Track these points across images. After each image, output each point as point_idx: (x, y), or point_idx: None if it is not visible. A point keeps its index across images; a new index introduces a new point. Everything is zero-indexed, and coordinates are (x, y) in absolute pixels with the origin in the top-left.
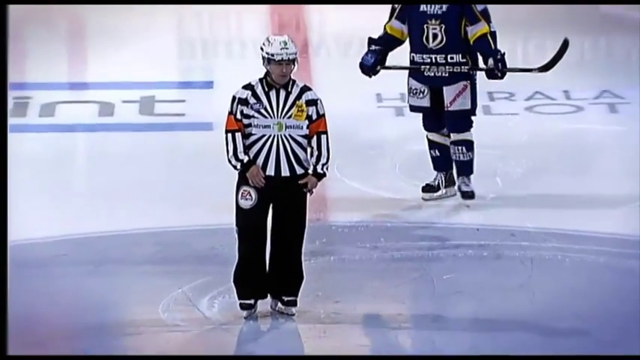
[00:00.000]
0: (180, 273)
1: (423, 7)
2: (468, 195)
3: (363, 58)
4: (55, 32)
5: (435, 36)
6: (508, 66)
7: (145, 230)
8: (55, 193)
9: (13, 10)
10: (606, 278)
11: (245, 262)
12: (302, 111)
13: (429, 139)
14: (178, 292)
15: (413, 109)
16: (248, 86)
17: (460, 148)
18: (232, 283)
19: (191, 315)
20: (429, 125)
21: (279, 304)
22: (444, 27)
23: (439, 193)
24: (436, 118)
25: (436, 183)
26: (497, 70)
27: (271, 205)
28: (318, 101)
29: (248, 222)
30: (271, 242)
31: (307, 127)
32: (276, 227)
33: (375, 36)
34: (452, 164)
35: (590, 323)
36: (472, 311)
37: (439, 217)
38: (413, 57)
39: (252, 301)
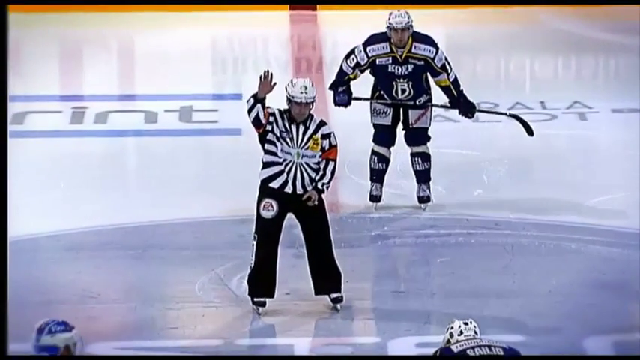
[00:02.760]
0: (214, 257)
1: (391, 69)
2: (424, 200)
3: (338, 99)
4: (108, 52)
5: (403, 90)
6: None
7: (183, 220)
8: (108, 189)
9: (72, 32)
10: (577, 261)
11: (260, 266)
12: (317, 144)
13: (378, 153)
14: (212, 274)
15: (375, 126)
16: (281, 113)
17: (418, 159)
18: (246, 283)
19: (223, 293)
20: (382, 141)
21: (329, 301)
22: (411, 83)
23: (382, 202)
24: (390, 135)
25: (380, 192)
26: (467, 117)
27: (295, 218)
28: (331, 134)
29: (268, 230)
30: (307, 248)
31: (320, 156)
32: (306, 235)
33: (336, 78)
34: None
35: (561, 298)
36: (462, 289)
37: (434, 209)
38: (383, 94)
39: (264, 300)
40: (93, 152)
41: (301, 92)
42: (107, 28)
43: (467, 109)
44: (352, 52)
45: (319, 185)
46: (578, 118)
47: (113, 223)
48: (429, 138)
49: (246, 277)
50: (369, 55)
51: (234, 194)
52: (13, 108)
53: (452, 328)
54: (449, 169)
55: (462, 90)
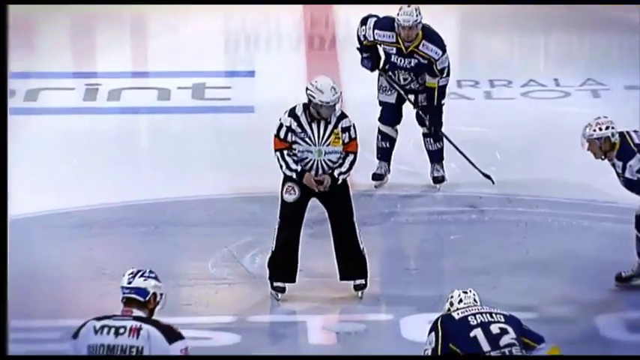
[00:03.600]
0: (226, 234)
1: (394, 59)
2: (439, 180)
3: (363, 64)
4: (121, 29)
5: (405, 79)
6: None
7: (195, 197)
8: (120, 166)
9: (85, 9)
10: (589, 239)
11: (281, 249)
12: (338, 138)
13: (382, 132)
14: (225, 251)
15: (381, 103)
16: (293, 114)
17: (429, 139)
18: (267, 267)
19: (236, 270)
20: (387, 119)
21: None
22: (412, 74)
23: (385, 180)
24: (395, 113)
25: (382, 171)
26: (429, 130)
27: (320, 203)
28: (351, 127)
29: (290, 213)
30: (332, 233)
31: (342, 150)
32: (331, 220)
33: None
34: (391, 156)
35: (574, 275)
36: (475, 266)
37: (447, 186)
38: (390, 75)
39: (283, 285)
40: (106, 129)
41: (333, 95)
42: (120, 6)
43: (435, 122)
44: (365, 20)
45: (335, 173)
46: (592, 96)
47: (125, 200)
48: (441, 124)
49: (267, 261)
50: (375, 37)
51: (247, 171)
52: (26, 85)
53: (452, 297)
54: (462, 146)
55: (443, 103)
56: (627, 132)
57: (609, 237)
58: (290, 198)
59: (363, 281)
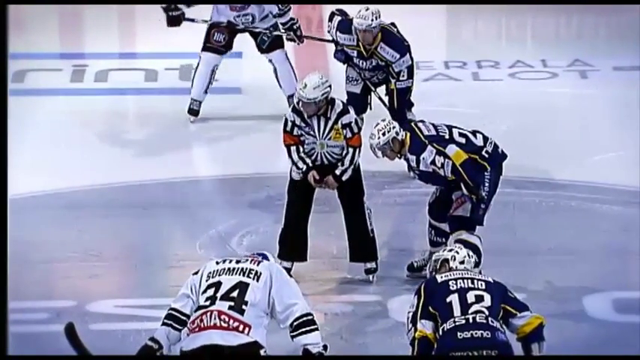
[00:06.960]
0: (214, 216)
1: (356, 60)
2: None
3: (336, 56)
4: (109, 11)
5: (371, 75)
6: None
7: (183, 179)
8: (108, 147)
9: None
10: (577, 219)
11: (288, 226)
12: (339, 134)
13: None
14: (213, 232)
15: (347, 94)
16: (295, 110)
17: None
18: (277, 244)
19: (223, 251)
20: (353, 109)
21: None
22: (376, 71)
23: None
24: (361, 103)
25: None
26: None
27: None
28: (352, 123)
29: (297, 192)
30: (343, 215)
31: (345, 143)
32: (341, 201)
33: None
34: None
35: (562, 256)
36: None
37: None
38: (355, 68)
39: (289, 265)
40: (93, 110)
41: (312, 93)
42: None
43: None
44: (332, 17)
45: (337, 172)
46: (579, 77)
47: (113, 181)
48: (412, 104)
49: (277, 239)
50: (338, 40)
51: (233, 153)
52: (13, 66)
53: (457, 253)
54: None
55: (403, 107)
56: (415, 124)
57: (597, 217)
58: (297, 176)
59: (373, 265)
